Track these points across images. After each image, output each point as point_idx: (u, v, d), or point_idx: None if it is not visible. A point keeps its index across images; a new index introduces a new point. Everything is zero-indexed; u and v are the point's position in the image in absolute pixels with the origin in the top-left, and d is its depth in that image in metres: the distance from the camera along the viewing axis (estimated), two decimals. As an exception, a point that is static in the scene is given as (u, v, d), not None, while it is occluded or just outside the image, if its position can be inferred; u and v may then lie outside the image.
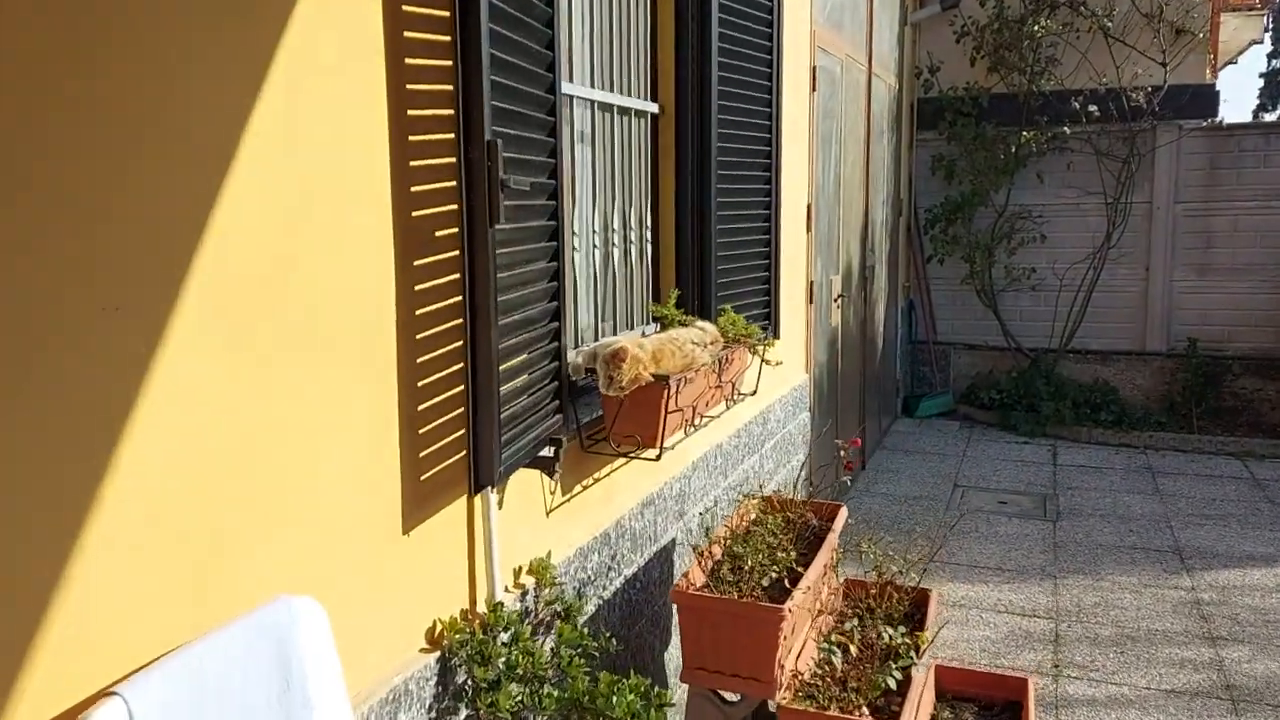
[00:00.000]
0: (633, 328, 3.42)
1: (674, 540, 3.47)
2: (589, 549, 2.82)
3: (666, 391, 2.59)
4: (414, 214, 2.01)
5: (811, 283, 5.30)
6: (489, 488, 2.06)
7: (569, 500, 2.73)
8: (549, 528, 2.63)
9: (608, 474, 2.84)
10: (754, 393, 3.38)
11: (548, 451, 2.38)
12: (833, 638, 2.81)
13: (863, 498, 6.49)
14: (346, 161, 1.82)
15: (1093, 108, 7.65)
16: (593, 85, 3.08)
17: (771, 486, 4.64)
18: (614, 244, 3.25)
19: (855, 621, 3.03)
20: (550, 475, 2.40)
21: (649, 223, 3.51)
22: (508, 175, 1.98)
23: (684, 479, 3.54)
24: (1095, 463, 7.26)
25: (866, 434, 7.15)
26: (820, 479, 5.52)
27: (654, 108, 3.47)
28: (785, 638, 2.66)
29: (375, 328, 1.93)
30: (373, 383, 1.92)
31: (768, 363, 3.24)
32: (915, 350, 8.93)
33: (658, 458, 2.67)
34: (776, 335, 4.04)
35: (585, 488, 2.82)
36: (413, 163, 2.00)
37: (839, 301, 6.01)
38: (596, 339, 3.16)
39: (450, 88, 1.97)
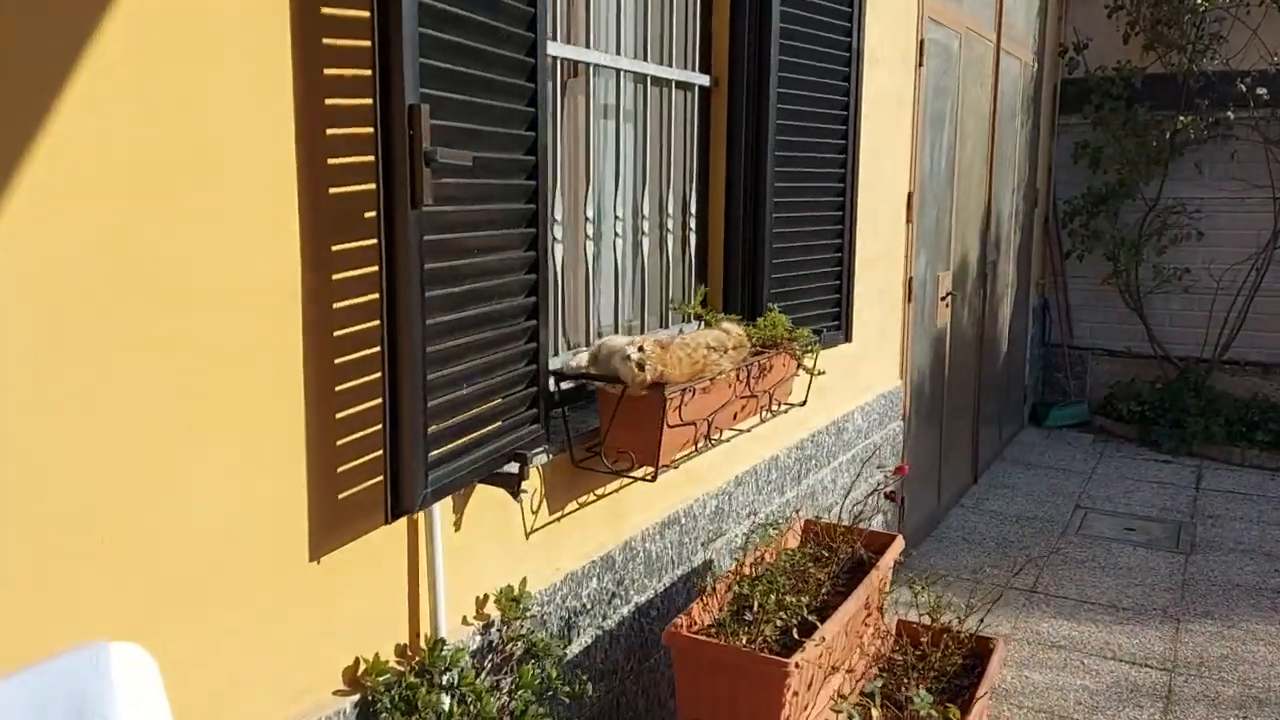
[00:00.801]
0: (667, 326, 3.07)
1: (708, 562, 3.12)
2: (584, 574, 2.51)
3: (665, 404, 2.24)
4: (330, 191, 1.73)
5: (910, 279, 4.81)
6: (413, 511, 1.77)
7: (558, 520, 2.42)
8: (528, 552, 2.33)
9: (615, 490, 2.51)
10: (802, 403, 2.99)
11: (514, 467, 2.07)
12: (851, 700, 2.41)
13: (969, 514, 5.94)
14: (229, 124, 1.55)
15: (1262, 90, 6.79)
16: (622, 52, 2.74)
17: (846, 504, 4.22)
18: (645, 232, 2.91)
19: (880, 683, 2.61)
20: (515, 495, 2.09)
21: (694, 209, 3.15)
22: (435, 147, 1.67)
23: (722, 495, 3.18)
24: (1245, 488, 6.46)
25: (981, 444, 6.58)
26: (912, 506, 5.04)
27: (704, 80, 3.10)
28: (795, 694, 2.28)
29: (274, 322, 1.66)
30: (268, 384, 1.65)
31: (808, 370, 2.84)
32: (1048, 354, 8.22)
33: (653, 478, 2.33)
34: (848, 338, 3.61)
35: (583, 505, 2.51)
36: (330, 131, 1.72)
37: (948, 300, 5.48)
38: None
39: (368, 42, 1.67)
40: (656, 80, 2.91)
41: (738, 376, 2.58)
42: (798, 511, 3.73)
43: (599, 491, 2.53)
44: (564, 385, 2.40)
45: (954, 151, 5.40)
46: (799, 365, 2.84)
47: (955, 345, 5.76)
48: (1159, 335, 7.73)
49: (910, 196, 4.71)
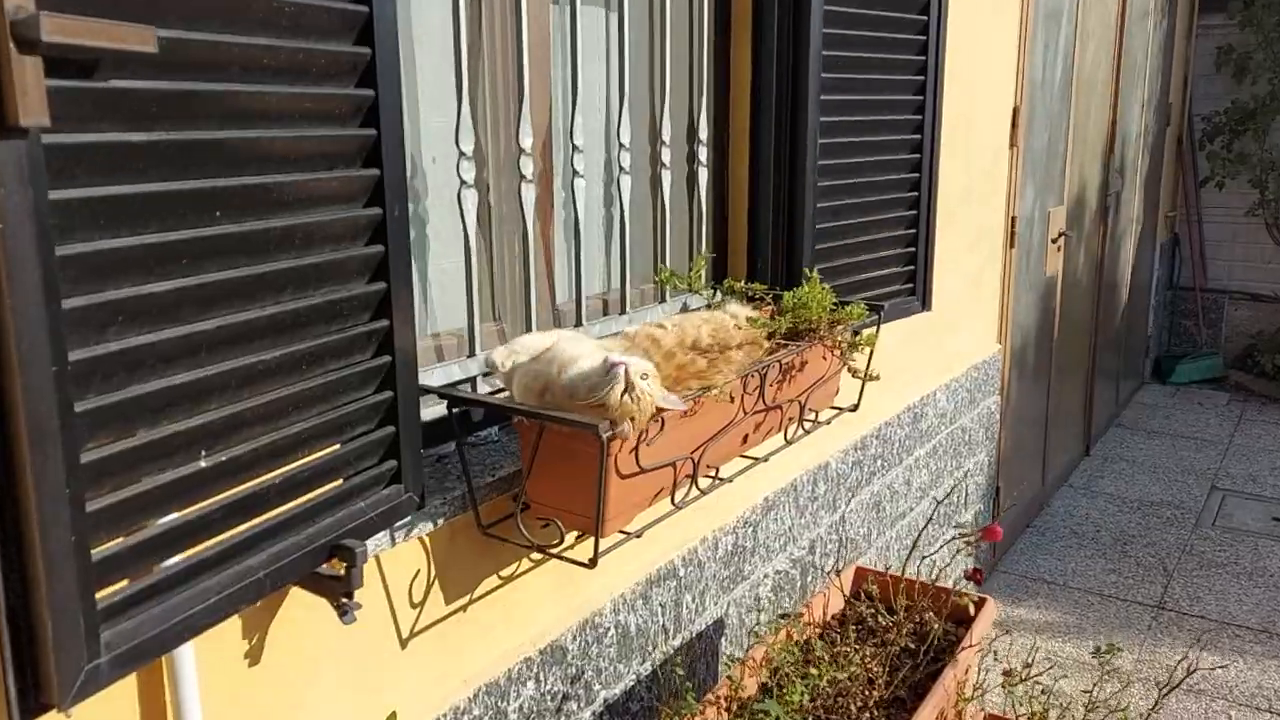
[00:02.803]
0: (664, 301, 2.21)
1: (718, 623, 2.29)
2: (512, 679, 1.71)
3: (604, 449, 1.40)
4: None
5: (1014, 218, 3.83)
6: (63, 707, 0.97)
7: (462, 609, 1.62)
8: (407, 668, 1.53)
9: (560, 548, 1.68)
10: (854, 408, 2.11)
11: (353, 546, 1.26)
12: None
13: (1079, 498, 4.98)
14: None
15: None
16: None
17: (918, 511, 3.33)
18: (625, 168, 2.04)
19: None
20: (341, 612, 1.28)
21: (705, 135, 2.26)
22: (36, 14, 0.84)
23: (743, 527, 2.34)
24: None
25: (1096, 408, 5.56)
26: (1009, 492, 4.11)
27: (717, -50, 2.18)
28: None
29: None
30: None
31: (855, 372, 1.95)
32: (1176, 298, 7.07)
33: (592, 563, 1.49)
34: (925, 304, 2.69)
35: (506, 580, 1.70)
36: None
37: (1060, 241, 4.46)
38: (580, 324, 1.98)
39: None
40: (641, -54, 2.02)
41: (745, 386, 1.72)
42: (842, 550, 2.87)
43: (533, 557, 1.71)
44: (460, 407, 1.57)
45: (1072, 57, 4.33)
46: (844, 361, 1.96)
47: (1068, 296, 4.74)
48: (1314, 277, 6.53)
49: (1015, 113, 3.70)
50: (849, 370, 1.95)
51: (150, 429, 1.03)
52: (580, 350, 1.50)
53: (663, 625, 2.09)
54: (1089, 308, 5.19)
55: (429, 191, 1.78)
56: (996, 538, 2.06)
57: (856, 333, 2.05)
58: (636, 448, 1.49)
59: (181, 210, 1.04)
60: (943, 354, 3.33)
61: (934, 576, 2.25)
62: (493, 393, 1.74)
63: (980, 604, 2.10)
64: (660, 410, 1.46)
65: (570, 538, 1.59)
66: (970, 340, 3.58)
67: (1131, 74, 5.35)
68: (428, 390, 1.53)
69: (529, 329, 1.85)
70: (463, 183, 1.68)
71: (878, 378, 1.91)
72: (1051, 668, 3.32)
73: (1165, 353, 7.05)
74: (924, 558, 2.18)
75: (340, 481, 1.29)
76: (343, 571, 1.27)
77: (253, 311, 1.13)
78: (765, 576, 2.45)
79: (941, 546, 2.68)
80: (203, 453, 1.09)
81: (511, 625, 1.72)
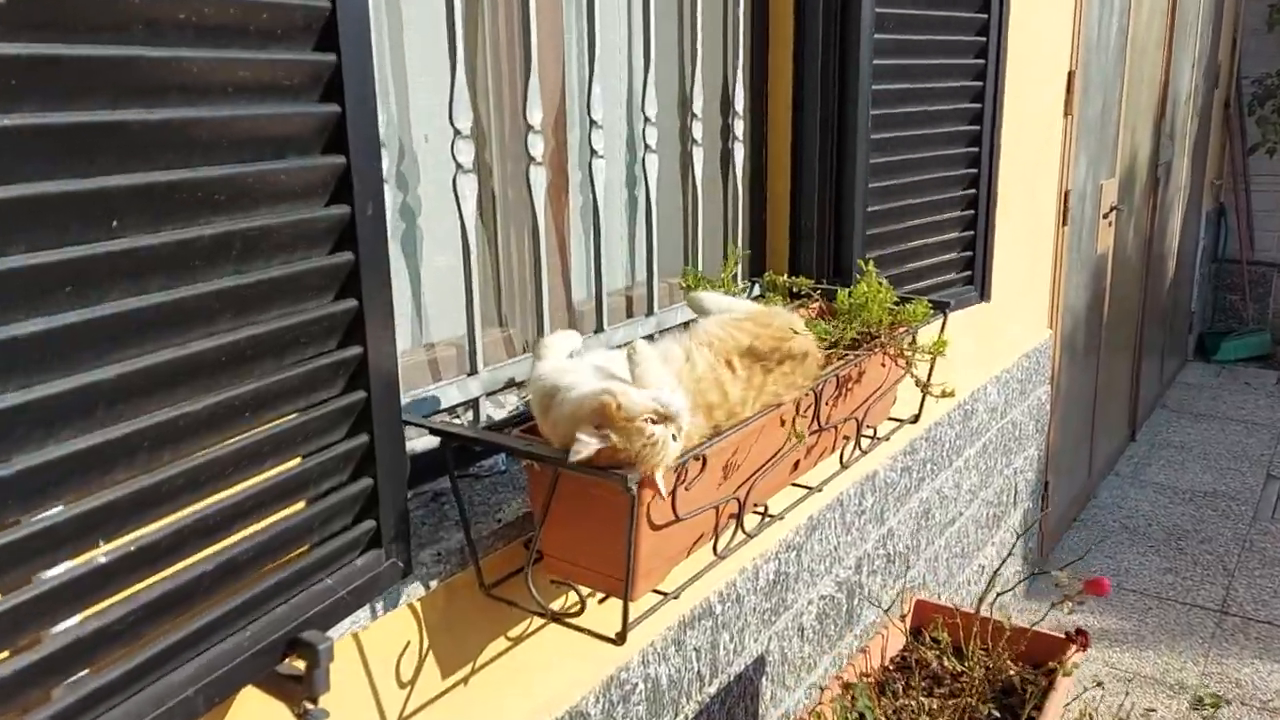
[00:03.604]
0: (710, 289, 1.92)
1: (758, 661, 2.02)
2: (525, 754, 1.44)
3: (634, 504, 1.12)
4: None
5: (1067, 192, 3.51)
6: None
7: (461, 683, 1.35)
8: (395, 754, 1.27)
9: (580, 613, 1.40)
10: (914, 419, 1.83)
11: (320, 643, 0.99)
12: None
13: (1127, 488, 4.68)
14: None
15: None
16: None
17: (968, 515, 3.05)
18: (651, 146, 1.75)
19: None
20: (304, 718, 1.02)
21: (741, 107, 1.96)
22: None
23: (787, 552, 2.07)
24: None
25: (1141, 390, 5.25)
26: (1058, 485, 3.83)
27: (755, -112, 1.88)
28: None
29: None
30: None
31: (921, 384, 1.67)
32: (1221, 271, 6.73)
33: (620, 638, 1.22)
34: (984, 295, 2.40)
35: (516, 640, 1.43)
36: None
37: (1111, 216, 4.14)
38: (601, 329, 1.70)
39: None
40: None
41: (798, 407, 1.44)
42: (890, 565, 2.59)
43: (555, 605, 1.44)
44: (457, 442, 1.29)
45: (1127, 15, 3.99)
46: (907, 369, 1.67)
47: (1117, 274, 4.43)
48: (1371, 248, 6.18)
49: (1071, 77, 3.38)
50: (915, 383, 1.66)
51: (23, 513, 0.76)
52: (585, 376, 1.21)
53: (697, 672, 1.82)
54: (1138, 284, 4.88)
55: (421, 177, 1.50)
56: (1103, 591, 1.78)
57: (916, 332, 1.76)
58: (674, 492, 1.21)
59: (63, 221, 0.76)
60: (994, 344, 3.03)
61: (986, 588, 1.97)
62: (510, 420, 1.46)
63: (1064, 648, 1.82)
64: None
65: (592, 596, 1.32)
66: (1021, 327, 3.28)
67: (1184, 32, 4.99)
68: (414, 424, 1.26)
69: (540, 333, 1.57)
70: (459, 167, 1.39)
71: (952, 393, 1.63)
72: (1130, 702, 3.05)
73: (1209, 329, 6.71)
74: (998, 595, 1.89)
75: (301, 555, 1.02)
76: (304, 667, 1.00)
77: (170, 350, 0.85)
78: (809, 604, 2.18)
79: (1001, 563, 2.41)
80: (100, 541, 0.81)
81: (522, 692, 1.45)
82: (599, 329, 1.68)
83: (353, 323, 1.04)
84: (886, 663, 1.86)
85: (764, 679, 2.04)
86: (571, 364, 1.26)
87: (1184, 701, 3.14)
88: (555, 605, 1.37)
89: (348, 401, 1.05)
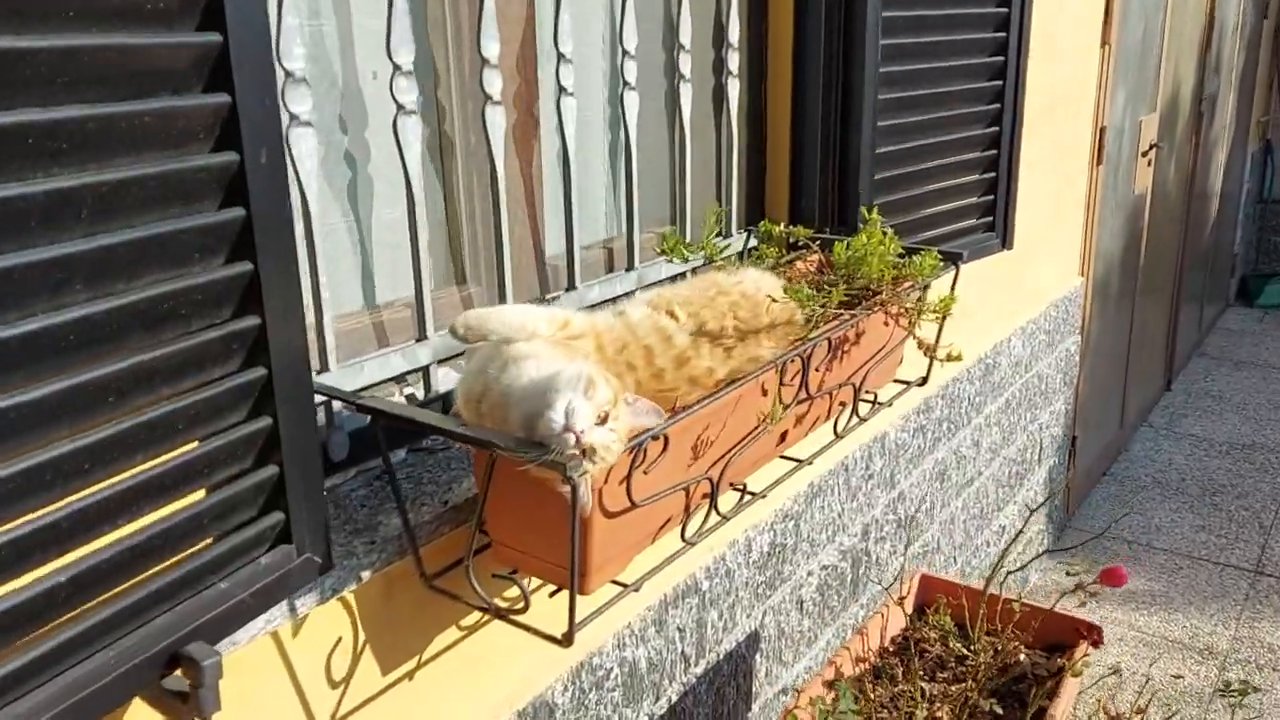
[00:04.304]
0: (686, 261, 1.76)
1: (751, 637, 1.90)
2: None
3: (574, 495, 0.99)
4: None
5: (1103, 129, 3.29)
6: None
7: (403, 680, 1.24)
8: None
9: (528, 609, 1.27)
10: (921, 382, 1.67)
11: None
12: None
13: (1160, 441, 4.50)
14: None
15: None
16: None
17: (988, 475, 2.90)
18: (631, 83, 1.58)
19: None
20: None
21: (735, 37, 1.79)
22: None
23: (783, 523, 1.93)
24: None
25: (1178, 336, 5.03)
26: (1087, 439, 3.66)
27: None
28: None
29: None
30: None
31: (930, 352, 1.50)
32: (1266, 212, 6.44)
33: (566, 639, 1.09)
34: (1007, 243, 2.23)
35: (469, 631, 1.31)
36: None
37: (1150, 154, 3.91)
38: (574, 286, 1.55)
39: None
40: None
41: (782, 375, 1.29)
42: (900, 531, 2.45)
43: (507, 595, 1.32)
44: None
45: (1173, -64, 3.72)
46: (910, 331, 1.51)
47: (1156, 216, 4.20)
48: None
49: (1109, 3, 3.14)
50: (918, 344, 1.50)
51: None
52: (534, 357, 1.07)
53: (682, 653, 1.70)
54: (1178, 226, 4.64)
55: (369, 118, 1.35)
56: (1119, 582, 1.62)
57: (925, 287, 1.60)
58: (629, 476, 1.07)
59: None
60: (1019, 293, 2.85)
61: (995, 566, 1.82)
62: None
63: (1077, 632, 1.68)
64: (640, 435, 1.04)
65: (544, 588, 1.20)
66: (1050, 275, 3.09)
67: (1234, -43, 4.69)
68: (339, 398, 1.12)
69: (502, 293, 1.42)
70: (400, 107, 1.24)
71: (959, 357, 1.47)
72: (1152, 690, 2.91)
73: (1253, 271, 6.44)
74: (1008, 573, 1.74)
75: (190, 557, 0.90)
76: (189, 685, 0.88)
77: (21, 324, 0.72)
78: (809, 575, 2.05)
79: (1013, 542, 2.26)
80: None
81: (478, 685, 1.34)
82: (570, 286, 1.53)
83: (247, 289, 0.90)
84: (887, 643, 1.73)
85: (758, 656, 1.92)
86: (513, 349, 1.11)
87: (1213, 668, 3.01)
88: (514, 594, 1.24)
89: (244, 380, 0.92)
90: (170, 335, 0.85)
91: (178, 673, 0.89)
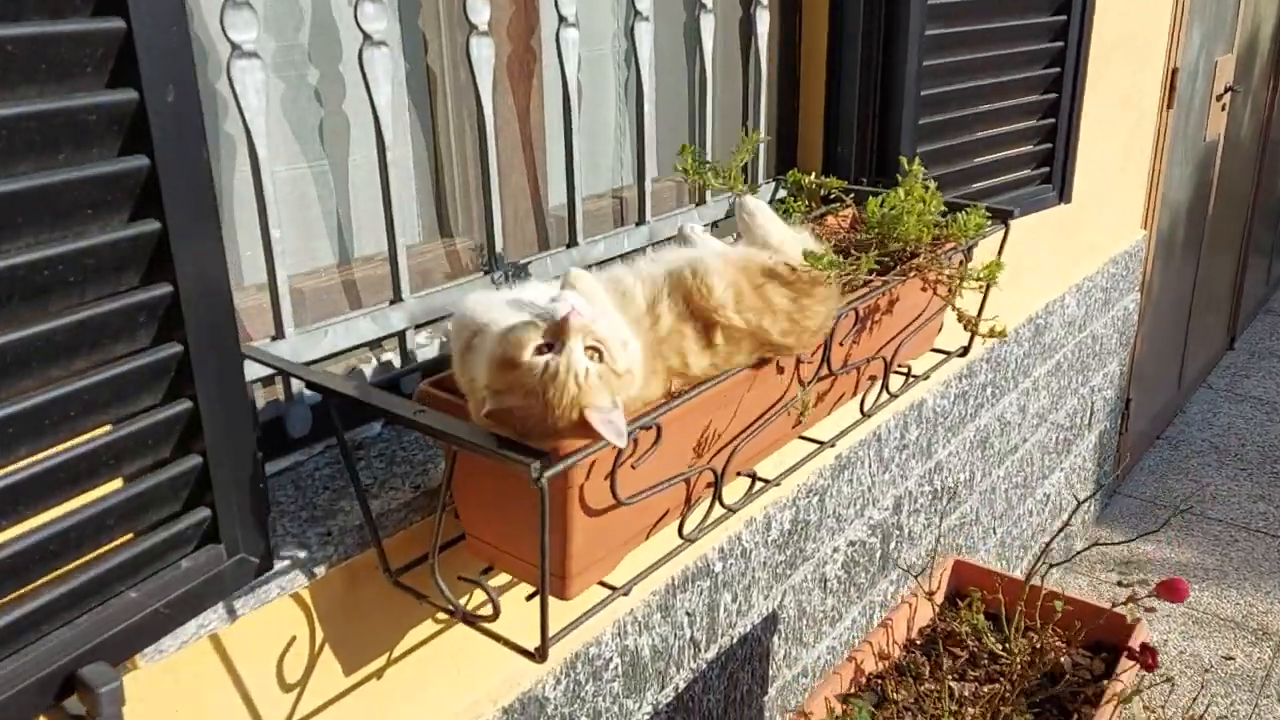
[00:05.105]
0: (703, 203, 1.60)
1: (769, 618, 1.77)
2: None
3: (543, 499, 0.85)
4: None
5: (1175, 71, 3.04)
6: None
7: (371, 679, 1.12)
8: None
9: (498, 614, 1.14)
10: (962, 352, 1.51)
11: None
12: None
13: (1219, 402, 4.27)
14: None
15: None
16: None
17: (1033, 441, 2.73)
18: (640, 13, 1.41)
19: None
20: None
21: (766, -40, 1.60)
22: None
23: (806, 498, 1.79)
24: None
25: (1244, 291, 4.76)
26: (1141, 401, 3.46)
27: None
28: None
29: None
30: None
31: (972, 326, 1.33)
32: (1345, 161, 6.05)
33: (540, 654, 0.96)
34: (1064, 196, 2.03)
35: (445, 625, 1.19)
36: None
37: (1225, 98, 3.63)
38: (575, 242, 1.40)
39: None
40: None
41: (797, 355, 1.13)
42: (935, 503, 2.29)
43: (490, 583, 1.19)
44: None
45: None
46: (949, 301, 1.34)
47: (1228, 164, 3.93)
48: None
49: (1188, -67, 2.87)
50: (958, 317, 1.33)
51: None
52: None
53: (691, 638, 1.58)
54: (1250, 176, 4.36)
55: (343, 50, 1.20)
56: (1180, 597, 1.45)
57: (970, 248, 1.42)
58: (614, 471, 0.93)
59: None
60: (1075, 249, 2.65)
61: (1039, 559, 1.66)
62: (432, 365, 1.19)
63: (1124, 628, 1.52)
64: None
65: (518, 587, 1.07)
66: (1109, 228, 2.88)
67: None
68: (281, 368, 0.99)
69: (491, 248, 1.28)
70: (366, 38, 1.09)
71: (1003, 333, 1.30)
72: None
73: (1326, 224, 6.09)
74: (1050, 567, 1.57)
75: (91, 563, 0.78)
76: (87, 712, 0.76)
77: None
78: (835, 551, 1.91)
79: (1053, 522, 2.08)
80: None
81: (458, 680, 1.22)
82: (571, 242, 1.38)
83: (155, 252, 0.77)
84: (914, 635, 1.59)
85: (775, 638, 1.80)
86: (498, 297, 0.97)
87: (1267, 650, 2.84)
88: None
89: (156, 358, 0.79)
90: (58, 307, 0.72)
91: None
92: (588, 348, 0.85)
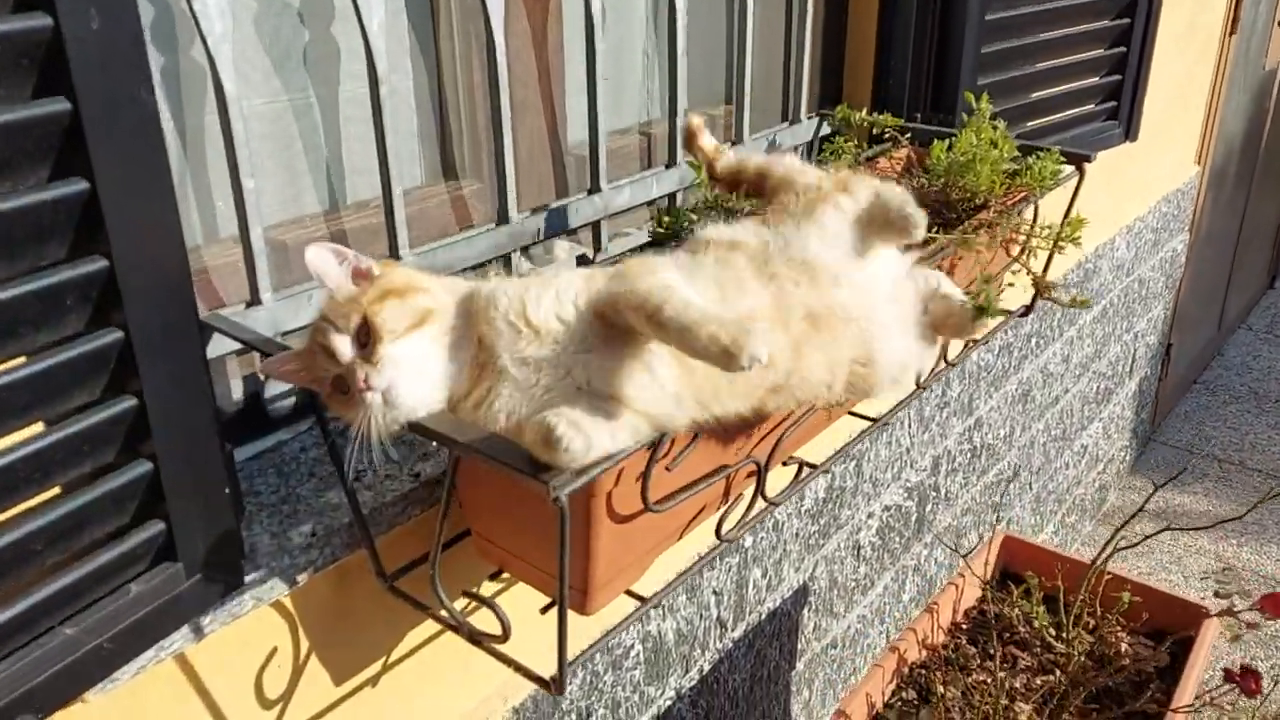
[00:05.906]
0: (740, 141, 1.43)
1: (800, 591, 1.65)
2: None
3: (563, 518, 0.71)
4: None
5: (1240, -8, 2.81)
6: None
7: (365, 686, 1.00)
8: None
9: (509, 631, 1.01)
10: (1024, 312, 1.36)
11: None
12: None
13: (1258, 344, 4.11)
14: None
15: None
16: None
17: (1075, 391, 2.58)
18: (676, -80, 1.22)
19: None
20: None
21: None
22: None
23: (843, 464, 1.65)
24: None
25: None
26: (1182, 345, 3.29)
27: None
28: None
29: None
30: None
31: (1050, 294, 1.17)
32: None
33: (556, 685, 0.83)
34: (1130, 133, 1.85)
35: (429, 640, 1.06)
36: None
37: (1288, 22, 3.39)
38: (598, 188, 1.24)
39: None
40: None
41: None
42: (974, 461, 2.15)
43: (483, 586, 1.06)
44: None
45: None
46: (1024, 264, 1.18)
47: (1284, 94, 3.69)
48: None
49: None
50: (1033, 284, 1.17)
51: None
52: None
53: (718, 618, 1.46)
54: (1305, 107, 4.11)
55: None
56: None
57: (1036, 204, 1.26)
58: (646, 473, 0.79)
59: None
60: (1127, 187, 2.46)
61: (1109, 544, 1.53)
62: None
63: (1195, 617, 1.39)
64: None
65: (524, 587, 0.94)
66: (1165, 165, 2.69)
67: None
68: (249, 342, 0.84)
69: (502, 191, 1.12)
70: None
71: (1088, 303, 1.14)
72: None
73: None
74: (1115, 549, 1.43)
75: (13, 596, 0.64)
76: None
77: None
78: (869, 518, 1.78)
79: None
80: None
81: (464, 679, 1.10)
82: (594, 188, 1.21)
83: (83, 218, 0.62)
84: (959, 618, 1.47)
85: (805, 610, 1.68)
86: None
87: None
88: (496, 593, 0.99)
89: (91, 346, 0.64)
90: (-35, 288, 0.58)
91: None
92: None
